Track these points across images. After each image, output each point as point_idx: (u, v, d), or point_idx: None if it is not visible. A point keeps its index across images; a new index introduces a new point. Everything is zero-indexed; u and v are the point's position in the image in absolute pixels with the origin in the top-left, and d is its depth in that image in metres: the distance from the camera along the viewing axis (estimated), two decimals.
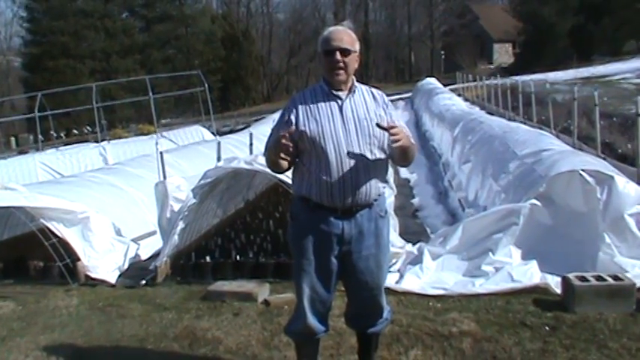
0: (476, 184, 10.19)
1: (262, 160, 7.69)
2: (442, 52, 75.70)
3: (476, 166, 10.81)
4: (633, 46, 59.95)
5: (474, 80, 37.08)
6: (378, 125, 3.98)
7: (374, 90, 4.29)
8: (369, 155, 4.06)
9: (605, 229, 6.75)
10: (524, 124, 16.83)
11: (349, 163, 4.01)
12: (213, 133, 25.51)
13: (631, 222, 6.73)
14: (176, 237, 8.15)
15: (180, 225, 8.12)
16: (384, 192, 4.28)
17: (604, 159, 10.58)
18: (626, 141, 15.95)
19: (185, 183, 8.74)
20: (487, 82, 33.07)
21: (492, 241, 7.09)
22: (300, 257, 4.20)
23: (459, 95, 35.46)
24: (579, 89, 17.63)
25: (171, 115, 58.51)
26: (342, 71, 4.06)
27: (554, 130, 17.84)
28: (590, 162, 7.58)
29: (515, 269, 6.81)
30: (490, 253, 7.03)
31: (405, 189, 13.93)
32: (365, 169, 4.06)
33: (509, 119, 19.90)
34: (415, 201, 12.59)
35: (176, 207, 8.41)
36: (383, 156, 4.14)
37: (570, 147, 10.30)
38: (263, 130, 19.64)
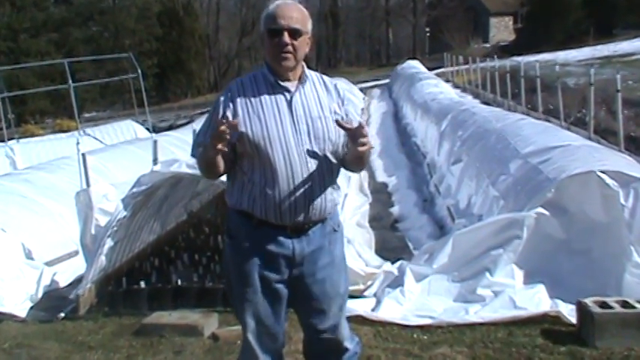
0: (468, 189, 10.25)
1: None
2: (427, 29, 76.18)
3: (468, 166, 10.88)
4: None
5: (466, 63, 37.32)
6: (338, 123, 3.96)
7: (326, 79, 4.26)
8: (323, 162, 4.04)
9: (633, 244, 6.75)
10: (528, 115, 16.99)
11: (301, 173, 3.98)
12: (148, 130, 25.35)
13: None
14: (103, 258, 8.06)
15: (109, 243, 8.04)
16: (339, 202, 4.27)
17: (628, 156, 10.67)
18: None
19: (114, 191, 8.66)
20: (482, 64, 33.31)
21: (490, 259, 7.10)
22: (241, 285, 4.14)
23: (448, 81, 35.75)
24: (596, 71, 17.77)
25: (97, 107, 58.09)
26: (290, 56, 4.00)
27: (564, 122, 18.01)
28: (611, 160, 7.63)
29: (518, 293, 6.82)
30: (487, 274, 7.04)
31: (382, 195, 13.94)
32: (319, 178, 4.04)
33: (509, 109, 20.04)
34: (395, 210, 12.61)
35: (103, 221, 8.33)
36: (336, 161, 4.13)
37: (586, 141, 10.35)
38: None
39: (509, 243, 7.09)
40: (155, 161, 10.33)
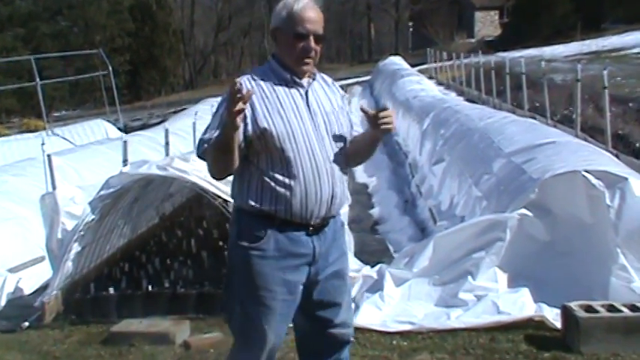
0: (451, 190, 10.27)
1: (180, 163, 7.70)
2: (410, 24, 76.31)
3: (450, 166, 10.90)
4: None
5: (450, 59, 37.41)
6: (362, 110, 4.19)
7: (324, 75, 4.36)
8: (339, 156, 4.15)
9: (619, 246, 6.76)
10: (514, 113, 17.07)
11: (325, 169, 4.07)
12: (120, 129, 25.29)
13: None
14: (70, 264, 8.01)
15: (76, 248, 7.99)
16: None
17: (616, 155, 10.70)
18: None
19: (81, 194, 8.63)
20: (466, 60, 33.42)
21: (472, 262, 7.11)
22: (258, 289, 4.08)
23: (431, 78, 35.89)
24: (584, 67, 17.83)
25: (67, 106, 57.82)
26: (312, 61, 4.11)
27: (550, 120, 18.09)
28: (596, 159, 7.66)
29: (501, 297, 6.83)
30: (469, 277, 7.05)
31: (362, 197, 13.96)
32: (339, 172, 4.15)
33: (495, 107, 20.08)
34: (375, 212, 12.63)
35: (69, 225, 8.29)
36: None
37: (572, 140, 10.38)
38: (183, 124, 19.53)
39: (491, 245, 7.10)
40: (125, 162, 10.31)
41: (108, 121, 26.37)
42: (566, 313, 6.12)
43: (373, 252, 9.57)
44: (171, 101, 51.39)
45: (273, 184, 4.01)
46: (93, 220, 8.00)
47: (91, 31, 63.27)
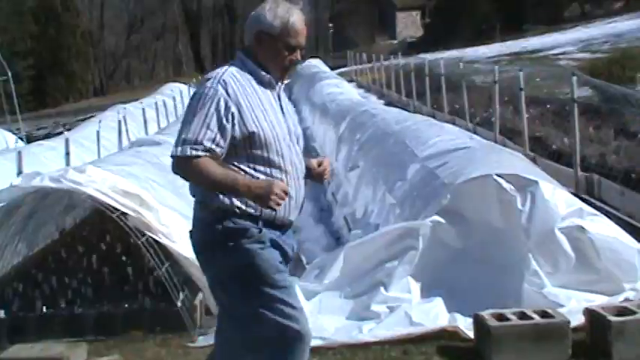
0: (365, 197, 10.27)
1: (74, 175, 7.55)
2: (330, 25, 76.59)
3: (365, 172, 10.91)
4: (577, 11, 60.30)
5: (370, 61, 37.60)
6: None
7: None
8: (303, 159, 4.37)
9: (531, 251, 6.86)
10: (433, 116, 17.18)
11: (301, 169, 4.28)
12: (21, 139, 24.82)
13: (563, 240, 6.83)
14: None
15: None
16: None
17: (533, 158, 10.83)
18: (562, 134, 16.42)
19: None
20: (386, 62, 33.61)
21: (384, 272, 7.12)
22: (272, 275, 4.12)
23: (351, 81, 36.03)
24: (504, 69, 17.99)
25: None
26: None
27: (470, 123, 18.25)
28: (509, 163, 7.73)
29: (415, 308, 6.85)
30: (382, 288, 7.04)
31: None
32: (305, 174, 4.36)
33: (415, 110, 20.20)
34: None
35: None
36: None
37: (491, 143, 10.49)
38: (89, 133, 19.25)
39: (404, 254, 7.12)
40: (19, 174, 10.12)
41: (9, 130, 25.88)
42: (478, 323, 6.17)
43: None
44: (80, 108, 50.84)
45: None
46: None
47: None
